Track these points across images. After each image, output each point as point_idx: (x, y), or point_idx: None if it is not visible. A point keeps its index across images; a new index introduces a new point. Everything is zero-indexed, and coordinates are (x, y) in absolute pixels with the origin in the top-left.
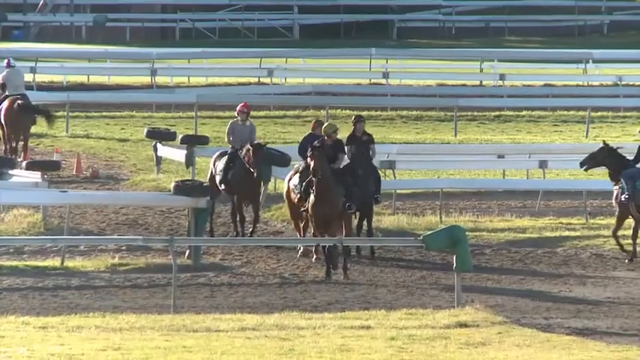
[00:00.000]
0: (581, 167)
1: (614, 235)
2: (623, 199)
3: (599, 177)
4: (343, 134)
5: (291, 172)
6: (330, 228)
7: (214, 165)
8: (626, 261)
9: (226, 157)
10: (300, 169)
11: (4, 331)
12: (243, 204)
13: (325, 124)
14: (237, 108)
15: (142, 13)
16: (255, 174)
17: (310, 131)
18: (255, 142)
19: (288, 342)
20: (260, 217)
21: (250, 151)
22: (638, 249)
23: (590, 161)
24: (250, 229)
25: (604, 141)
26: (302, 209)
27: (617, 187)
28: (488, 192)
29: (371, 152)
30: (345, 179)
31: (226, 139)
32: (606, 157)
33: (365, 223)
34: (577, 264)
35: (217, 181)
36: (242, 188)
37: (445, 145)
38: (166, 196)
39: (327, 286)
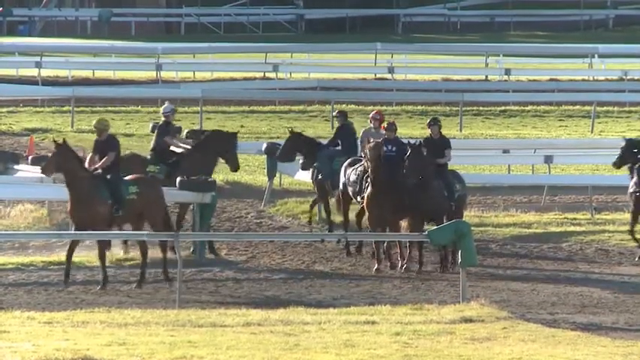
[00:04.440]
0: (280, 160)
1: (311, 210)
2: (319, 179)
3: (605, 172)
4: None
5: None
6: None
7: (344, 172)
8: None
9: (360, 167)
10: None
11: (9, 326)
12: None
13: (95, 121)
14: (371, 115)
15: (147, 8)
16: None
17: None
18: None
19: (294, 337)
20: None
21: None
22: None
23: (283, 150)
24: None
25: (291, 129)
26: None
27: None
28: (493, 187)
29: (446, 158)
30: (110, 180)
31: (360, 148)
32: (299, 143)
33: None
34: (582, 259)
35: (351, 191)
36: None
37: (450, 140)
38: (171, 192)
39: (332, 282)
